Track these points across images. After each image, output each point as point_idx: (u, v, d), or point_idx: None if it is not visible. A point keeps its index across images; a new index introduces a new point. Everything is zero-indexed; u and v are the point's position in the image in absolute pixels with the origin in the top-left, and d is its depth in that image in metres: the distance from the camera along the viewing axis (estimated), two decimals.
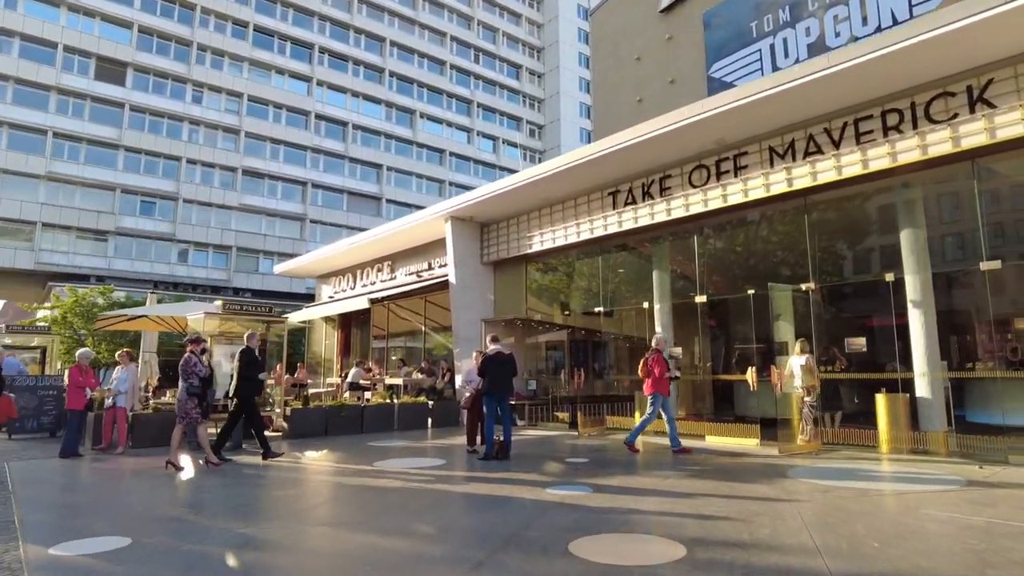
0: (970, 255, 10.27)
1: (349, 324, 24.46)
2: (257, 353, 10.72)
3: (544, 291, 17.68)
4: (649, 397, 10.71)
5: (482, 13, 61.62)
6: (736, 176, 12.25)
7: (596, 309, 15.47)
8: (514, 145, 62.58)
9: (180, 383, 9.46)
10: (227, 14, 46.92)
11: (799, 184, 11.33)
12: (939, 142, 9.79)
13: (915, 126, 10.05)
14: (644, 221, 13.81)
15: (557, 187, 15.03)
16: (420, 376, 17.90)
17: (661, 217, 13.47)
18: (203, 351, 10.06)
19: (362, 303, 18.84)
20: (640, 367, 10.99)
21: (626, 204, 14.21)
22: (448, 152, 56.74)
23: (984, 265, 9.61)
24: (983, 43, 8.82)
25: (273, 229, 48.50)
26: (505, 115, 61.94)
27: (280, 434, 13.30)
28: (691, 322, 14.18)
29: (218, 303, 13.85)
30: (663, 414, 10.68)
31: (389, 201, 52.26)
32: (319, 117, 50.49)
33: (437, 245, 18.79)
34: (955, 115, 9.67)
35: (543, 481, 7.98)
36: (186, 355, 9.60)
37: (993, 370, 10.65)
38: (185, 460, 9.68)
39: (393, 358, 22.46)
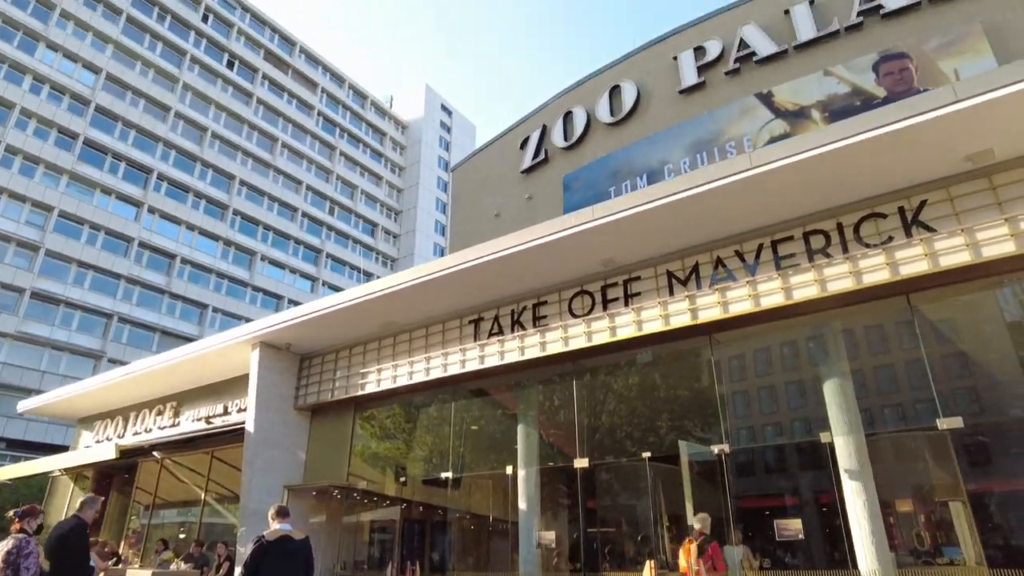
0: (924, 412, 8.21)
1: (108, 486, 18.20)
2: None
3: (376, 449, 13.65)
4: None
5: (342, 169, 61.08)
6: (627, 305, 9.87)
7: (442, 475, 11.74)
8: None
9: None
10: (53, 121, 41.81)
11: (705, 316, 9.10)
12: (874, 268, 8.06)
13: (845, 250, 8.34)
14: (512, 357, 10.85)
15: (403, 309, 11.88)
16: (182, 566, 12.50)
17: (533, 353, 10.61)
18: (38, 529, 6.18)
19: (107, 452, 13.55)
20: (690, 558, 7.52)
21: (491, 335, 11.27)
22: (287, 299, 52.15)
23: (943, 423, 7.53)
24: (885, 166, 7.46)
25: (57, 365, 39.84)
26: (356, 269, 59.39)
27: None
28: (566, 494, 10.88)
29: None
30: None
31: None
32: (143, 245, 44.64)
33: (239, 383, 14.39)
34: (889, 238, 8.07)
35: None
36: (12, 540, 5.88)
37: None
38: None
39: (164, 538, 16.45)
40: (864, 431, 8.51)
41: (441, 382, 11.94)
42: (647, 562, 8.60)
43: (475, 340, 11.44)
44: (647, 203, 8.65)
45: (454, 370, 11.52)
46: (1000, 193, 7.62)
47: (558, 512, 11.27)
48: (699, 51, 14.12)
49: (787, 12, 12.97)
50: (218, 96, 51.40)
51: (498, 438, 12.10)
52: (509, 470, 10.91)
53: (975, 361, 8.80)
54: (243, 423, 13.20)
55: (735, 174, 8.06)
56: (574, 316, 10.35)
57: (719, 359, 9.49)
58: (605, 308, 10.08)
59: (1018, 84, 6.69)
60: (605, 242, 9.51)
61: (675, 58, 14.78)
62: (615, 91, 15.97)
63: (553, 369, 11.03)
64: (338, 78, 63.99)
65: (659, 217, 8.82)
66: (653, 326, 9.49)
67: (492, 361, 11.06)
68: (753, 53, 13.11)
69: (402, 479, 12.76)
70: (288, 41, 59.58)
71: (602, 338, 9.93)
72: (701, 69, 13.89)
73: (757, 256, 8.96)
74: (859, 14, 11.83)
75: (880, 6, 11.69)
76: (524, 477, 10.84)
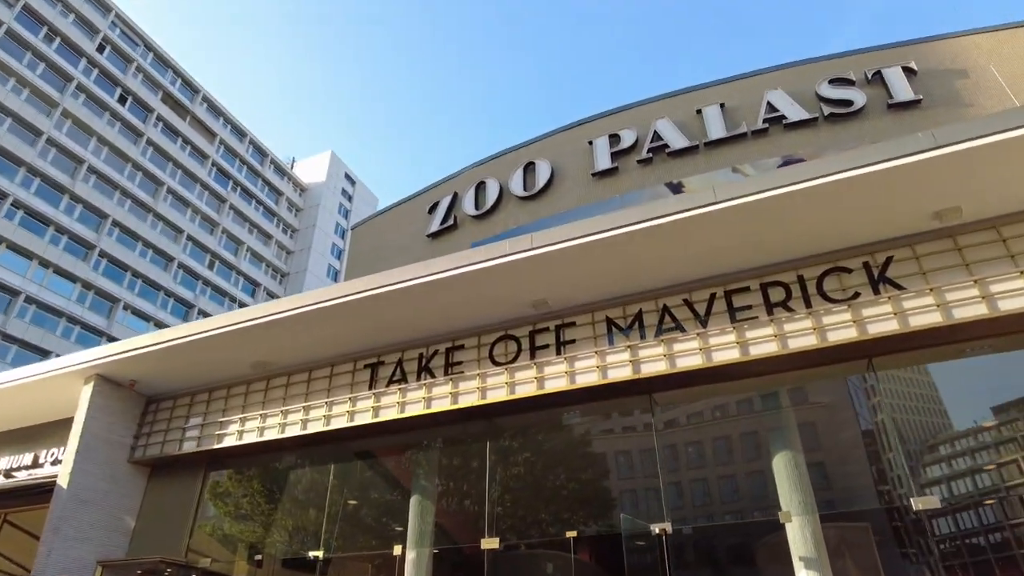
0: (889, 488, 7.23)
1: None
2: None
3: (228, 520, 11.00)
4: None
5: (230, 223, 57.29)
6: (559, 353, 8.50)
7: (310, 555, 9.40)
8: None
9: None
10: None
11: (648, 370, 7.88)
12: (839, 325, 7.23)
13: (808, 304, 7.50)
14: (415, 410, 9.05)
15: (282, 347, 9.86)
16: None
17: (442, 405, 8.89)
18: None
19: None
20: None
21: (391, 383, 9.45)
22: None
23: (919, 502, 6.54)
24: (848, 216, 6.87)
25: None
26: None
27: None
28: None
29: None
30: None
31: None
32: None
33: (60, 428, 11.41)
34: (856, 294, 7.33)
35: None
36: None
37: None
38: None
39: None
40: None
41: (320, 438, 9.82)
42: None
43: (370, 388, 9.55)
44: (588, 235, 7.54)
45: (339, 424, 9.50)
46: (967, 255, 7.13)
47: None
48: (614, 138, 13.87)
49: (699, 112, 13.12)
50: (103, 129, 47.30)
51: (385, 511, 9.99)
52: (397, 551, 8.81)
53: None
54: (55, 477, 10.26)
55: (684, 211, 7.16)
56: (495, 364, 8.82)
57: (660, 430, 8.22)
58: (533, 356, 8.64)
59: (993, 136, 6.31)
60: (537, 279, 8.24)
61: (590, 142, 14.51)
62: (530, 167, 15.31)
63: (463, 428, 9.31)
64: (239, 132, 61.32)
65: (598, 256, 7.75)
66: (588, 378, 8.14)
67: (389, 414, 9.19)
68: (666, 145, 12.97)
69: (257, 557, 10.17)
70: (191, 87, 56.76)
71: (527, 390, 8.43)
72: (615, 155, 13.57)
73: (709, 307, 7.96)
74: (765, 121, 12.04)
75: (783, 116, 11.92)
76: (414, 560, 8.77)
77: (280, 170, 65.39)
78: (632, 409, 8.54)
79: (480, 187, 15.99)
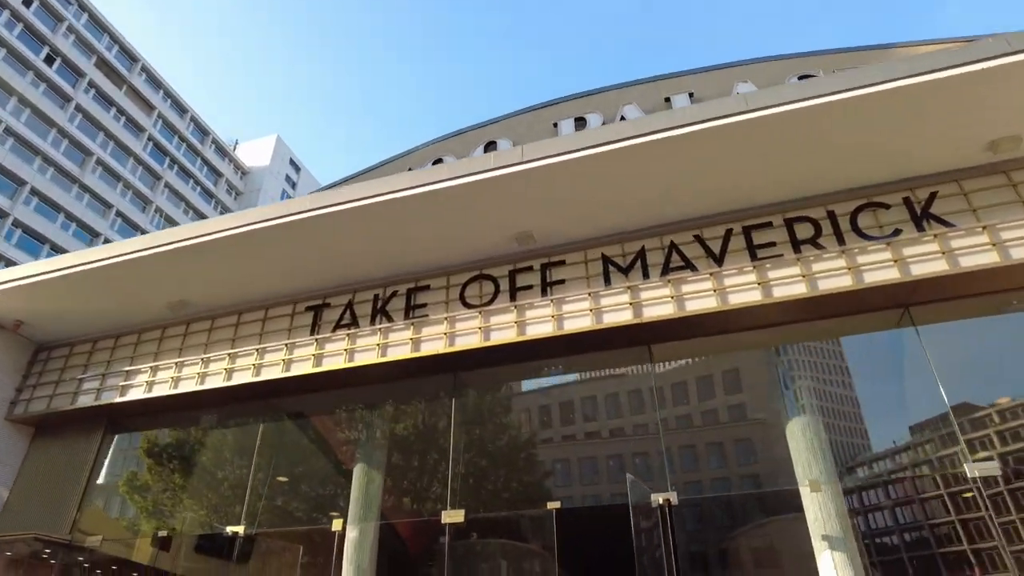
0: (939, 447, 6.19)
1: None
2: None
3: (129, 490, 9.17)
4: None
5: (164, 201, 53.73)
6: (545, 295, 7.19)
7: (228, 530, 7.74)
8: None
9: None
10: None
11: (652, 314, 6.66)
12: (877, 265, 6.19)
13: (841, 241, 6.44)
14: (365, 358, 7.56)
15: (205, 282, 8.24)
16: None
17: (399, 353, 7.44)
18: None
19: None
20: None
21: (338, 327, 7.93)
22: None
23: (976, 468, 5.52)
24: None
25: None
26: None
27: None
28: (425, 565, 7.44)
29: None
30: None
31: None
32: None
33: None
34: (896, 231, 6.31)
35: None
36: None
37: None
38: None
39: None
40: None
41: (248, 392, 8.19)
42: None
43: (313, 333, 8.00)
44: (588, 148, 6.31)
45: (272, 374, 7.91)
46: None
47: None
48: (580, 121, 12.82)
49: (667, 99, 12.23)
50: (24, 89, 43.52)
51: (323, 481, 8.41)
52: (336, 526, 7.26)
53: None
54: None
55: (703, 122, 6.04)
56: (467, 307, 7.44)
57: (661, 385, 7.01)
58: (513, 298, 7.30)
59: None
60: (524, 205, 6.96)
61: (555, 124, 13.42)
62: (491, 146, 14.08)
63: (423, 384, 7.86)
64: (180, 107, 57.90)
65: (597, 178, 6.53)
66: (579, 323, 6.86)
67: (334, 363, 7.67)
68: None
69: (162, 534, 8.37)
70: (129, 55, 53.24)
71: (504, 336, 7.08)
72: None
73: (724, 244, 6.82)
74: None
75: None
76: (357, 538, 7.24)
77: (221, 150, 62.11)
78: (627, 363, 7.30)
79: (437, 162, 14.66)
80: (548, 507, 6.49)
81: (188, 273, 8.06)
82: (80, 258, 8.19)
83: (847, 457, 6.74)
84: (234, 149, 64.36)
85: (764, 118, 5.92)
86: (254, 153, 65.74)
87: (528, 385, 8.08)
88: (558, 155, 6.43)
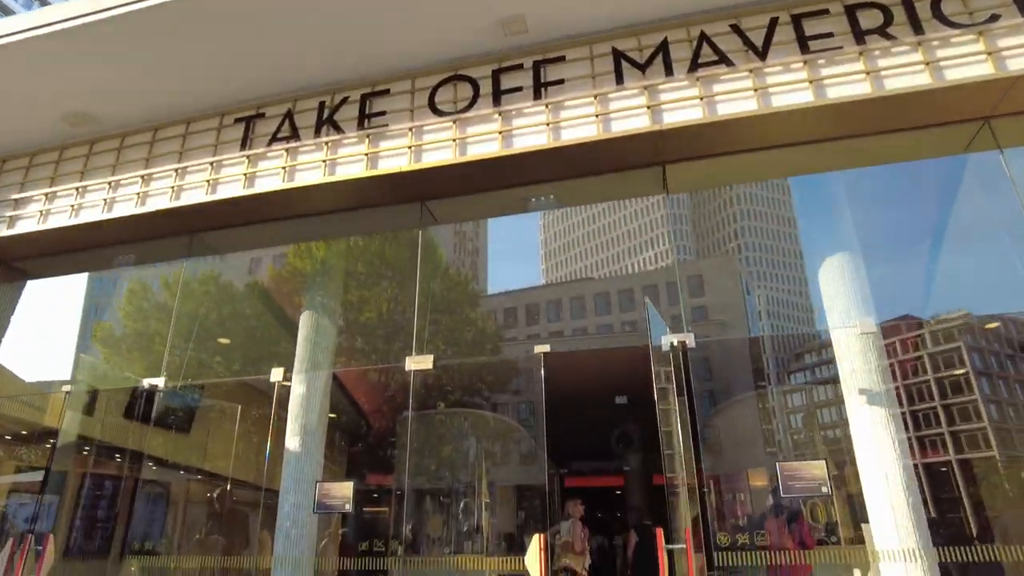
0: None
1: None
2: None
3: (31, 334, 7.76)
4: None
5: None
6: (538, 98, 5.72)
7: (145, 383, 6.46)
8: None
9: None
10: None
11: (673, 120, 5.31)
12: (964, 60, 4.89)
13: (917, 30, 5.07)
14: (308, 177, 6.09)
15: (108, 85, 6.48)
16: None
17: (352, 171, 5.98)
18: None
19: None
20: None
21: (274, 140, 6.38)
22: None
23: None
24: None
25: None
26: None
27: None
28: (383, 417, 6.35)
29: None
30: None
31: None
32: None
33: None
34: (994, 16, 4.96)
35: None
36: None
37: None
38: None
39: None
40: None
41: (170, 223, 6.70)
42: (535, 537, 4.46)
43: (244, 149, 6.44)
44: None
45: (194, 197, 6.38)
46: None
47: (364, 456, 6.67)
48: None
49: None
50: None
51: (262, 328, 7.12)
52: (276, 375, 6.03)
53: None
54: None
55: None
56: (438, 114, 5.94)
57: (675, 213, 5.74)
58: (497, 103, 5.81)
59: None
60: None
61: None
62: None
63: (381, 216, 6.46)
64: None
65: None
66: (580, 133, 5.47)
67: (269, 184, 6.18)
68: None
69: (65, 389, 7.06)
70: None
71: (485, 150, 5.66)
72: None
73: (769, 36, 5.38)
74: None
75: None
76: (305, 390, 6.08)
77: None
78: (635, 192, 6.02)
79: None
80: (536, 351, 5.36)
81: (80, 74, 6.29)
82: None
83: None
84: None
85: None
86: None
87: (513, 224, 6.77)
88: None
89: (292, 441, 6.33)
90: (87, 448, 7.97)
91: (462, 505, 7.97)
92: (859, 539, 5.38)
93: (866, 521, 5.21)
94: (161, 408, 7.26)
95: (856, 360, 5.34)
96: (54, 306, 8.23)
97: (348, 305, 7.29)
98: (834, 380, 5.38)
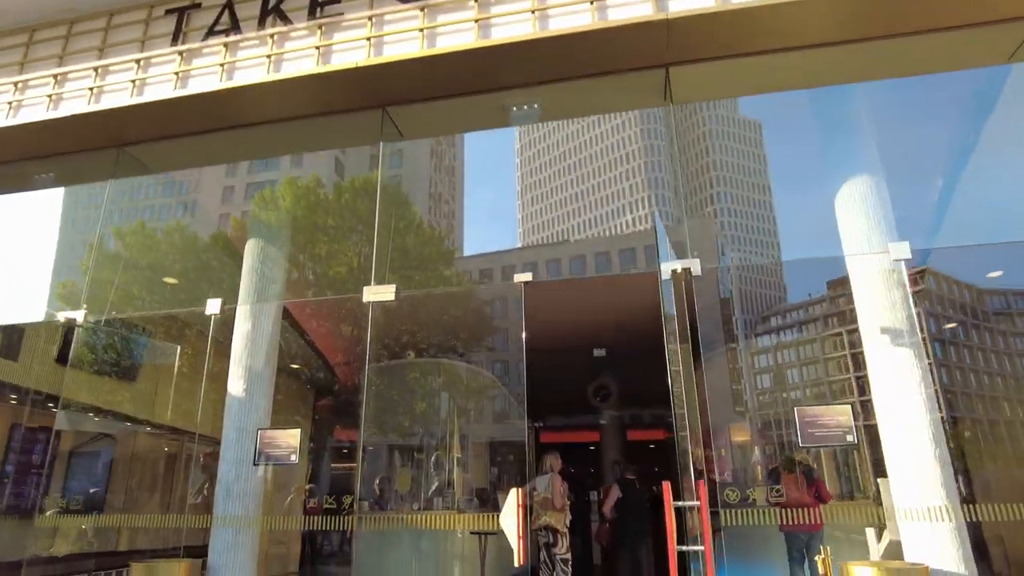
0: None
1: None
2: None
3: None
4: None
5: None
6: None
7: (60, 316, 5.59)
8: None
9: None
10: None
11: (680, 7, 4.47)
12: None
13: None
14: (249, 76, 5.17)
15: None
16: None
17: (299, 68, 5.07)
18: None
19: None
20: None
21: (210, 34, 5.42)
22: None
23: None
24: None
25: None
26: None
27: None
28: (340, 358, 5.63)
29: None
30: None
31: None
32: None
33: None
34: None
35: None
36: None
37: None
38: None
39: None
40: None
41: (88, 127, 5.73)
42: (514, 491, 3.78)
43: (175, 43, 5.48)
44: None
45: (115, 100, 5.44)
46: None
47: (332, 409, 5.92)
48: None
49: None
50: None
51: (200, 255, 6.24)
52: (213, 308, 5.18)
53: None
54: None
55: None
56: (403, 0, 5.03)
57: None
58: None
59: None
60: None
61: None
62: None
63: (338, 123, 5.56)
64: None
65: None
66: (571, 22, 4.62)
67: (204, 84, 5.25)
68: None
69: None
70: None
71: (457, 42, 4.79)
72: None
73: None
74: None
75: None
76: (249, 326, 5.27)
77: None
78: (639, 103, 5.21)
79: None
80: (516, 280, 4.60)
81: None
82: None
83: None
84: None
85: None
86: None
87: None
88: None
89: (235, 385, 5.54)
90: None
91: (433, 459, 7.33)
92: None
93: (883, 475, 4.62)
94: (98, 349, 6.44)
95: (879, 295, 4.66)
96: None
97: (317, 259, 6.47)
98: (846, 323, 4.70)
